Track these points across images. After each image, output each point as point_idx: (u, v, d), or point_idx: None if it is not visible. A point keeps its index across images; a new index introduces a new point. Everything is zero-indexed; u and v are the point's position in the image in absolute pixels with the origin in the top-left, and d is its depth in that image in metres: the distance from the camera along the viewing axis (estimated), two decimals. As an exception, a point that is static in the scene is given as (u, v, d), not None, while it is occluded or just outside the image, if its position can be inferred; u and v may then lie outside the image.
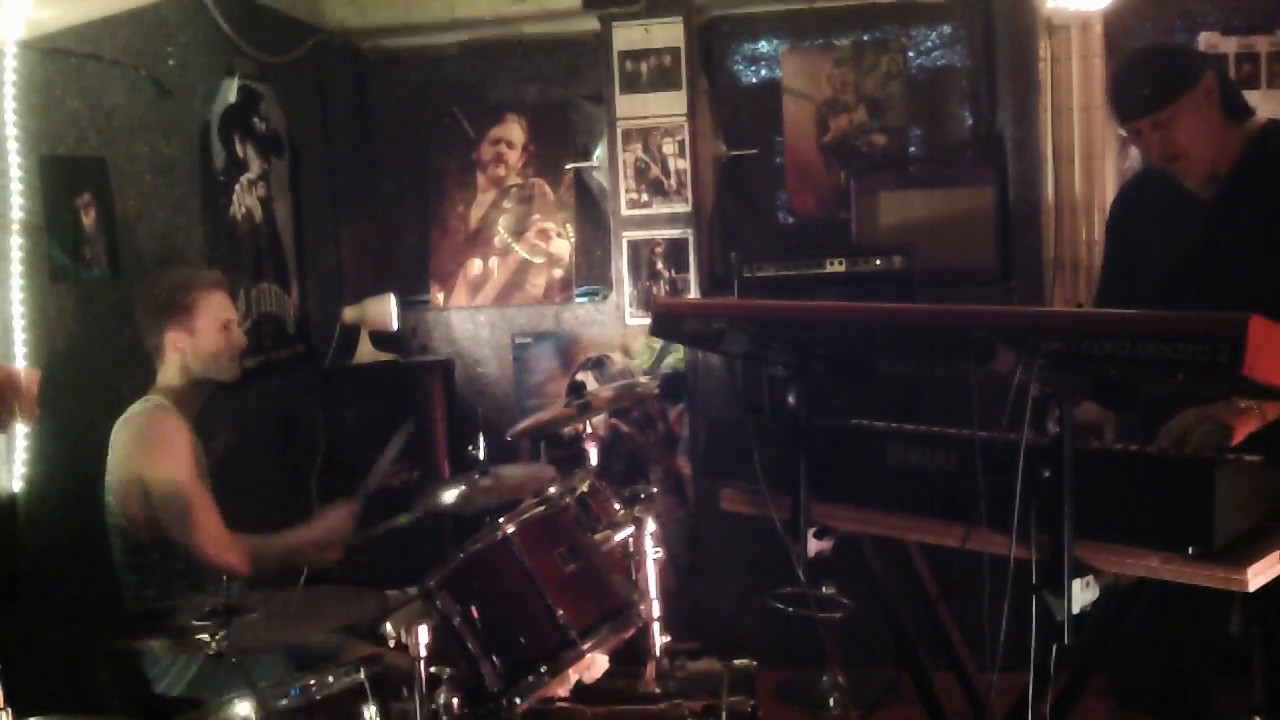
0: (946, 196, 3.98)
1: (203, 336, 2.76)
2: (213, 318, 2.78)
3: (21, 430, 2.61)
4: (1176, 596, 1.92)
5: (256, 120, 3.80)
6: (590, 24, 4.19)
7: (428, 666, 2.20)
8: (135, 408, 2.71)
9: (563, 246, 4.41)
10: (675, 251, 4.15)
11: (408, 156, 4.57)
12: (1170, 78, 2.50)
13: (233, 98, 3.62)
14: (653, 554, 2.77)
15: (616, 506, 2.84)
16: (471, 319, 4.44)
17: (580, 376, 4.26)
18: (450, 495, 2.89)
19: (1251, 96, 3.76)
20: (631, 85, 4.12)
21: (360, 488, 3.04)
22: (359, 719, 2.20)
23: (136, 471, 2.62)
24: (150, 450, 2.63)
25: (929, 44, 4.27)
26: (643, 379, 3.89)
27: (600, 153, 4.32)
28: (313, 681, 2.18)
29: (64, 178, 2.83)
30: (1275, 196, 2.53)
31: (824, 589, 3.48)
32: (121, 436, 2.67)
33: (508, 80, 4.51)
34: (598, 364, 4.27)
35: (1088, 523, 1.79)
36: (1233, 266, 2.57)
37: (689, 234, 4.14)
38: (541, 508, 2.46)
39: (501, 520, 2.39)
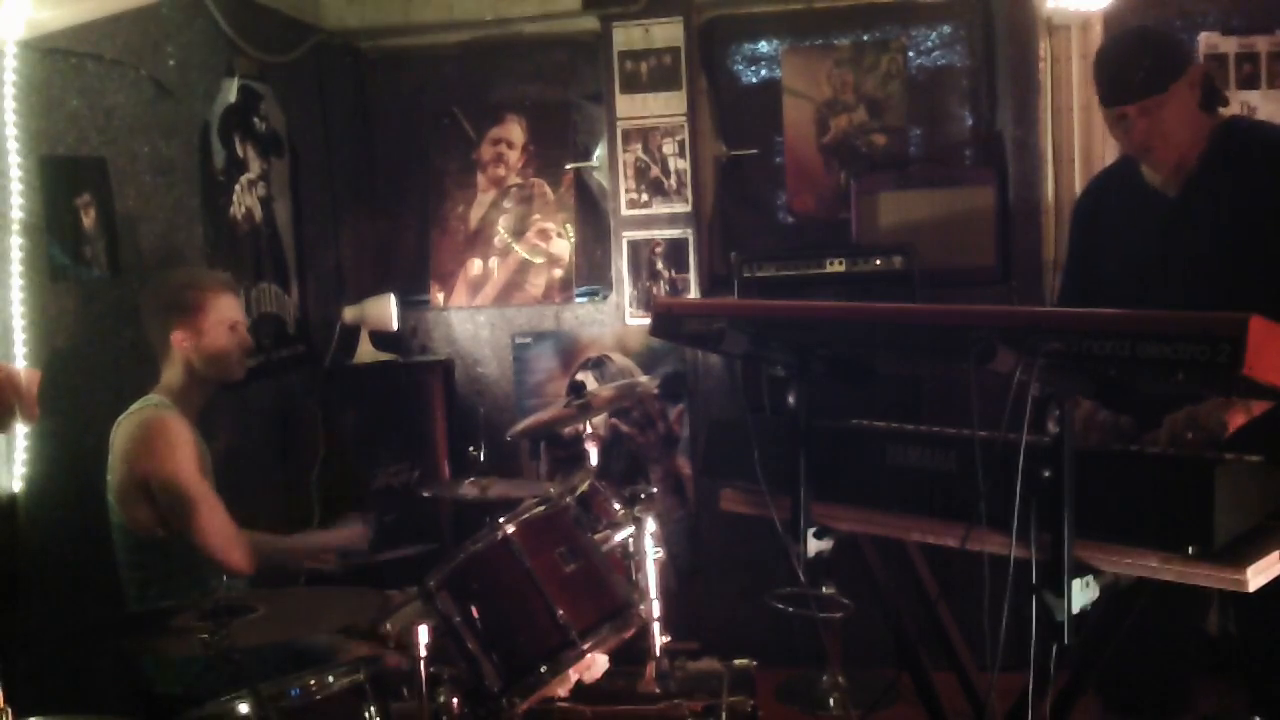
0: (946, 196, 3.98)
1: (210, 336, 2.77)
2: (221, 318, 2.79)
3: (21, 430, 2.61)
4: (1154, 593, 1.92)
5: (256, 120, 3.80)
6: (590, 24, 4.19)
7: (428, 666, 2.20)
8: (135, 407, 2.72)
9: (563, 246, 4.41)
10: (675, 251, 4.15)
11: (408, 156, 4.57)
12: (1164, 65, 2.49)
13: (233, 98, 3.62)
14: (653, 554, 2.77)
15: (616, 506, 2.84)
16: (471, 319, 4.44)
17: (580, 376, 4.26)
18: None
19: (1251, 96, 3.79)
20: (631, 85, 4.12)
21: (372, 518, 3.09)
22: (359, 719, 2.20)
23: (140, 471, 2.62)
24: (153, 449, 2.63)
25: (929, 44, 4.26)
26: (643, 379, 3.89)
27: (600, 153, 4.32)
28: (313, 681, 2.19)
29: (64, 178, 2.83)
30: (1239, 194, 2.53)
31: (824, 589, 3.48)
32: (122, 436, 2.67)
33: (508, 80, 4.51)
34: (598, 364, 4.27)
35: (1088, 523, 1.79)
36: (1198, 264, 2.57)
37: (689, 234, 4.14)
38: (541, 508, 2.46)
39: (501, 520, 2.39)
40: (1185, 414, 2.26)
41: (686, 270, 4.15)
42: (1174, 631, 2.70)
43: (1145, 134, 2.53)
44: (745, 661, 2.79)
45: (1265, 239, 2.49)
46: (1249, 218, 2.51)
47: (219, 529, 2.64)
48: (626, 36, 4.10)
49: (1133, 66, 2.50)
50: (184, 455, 2.65)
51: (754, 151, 4.36)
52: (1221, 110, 2.62)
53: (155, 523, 2.65)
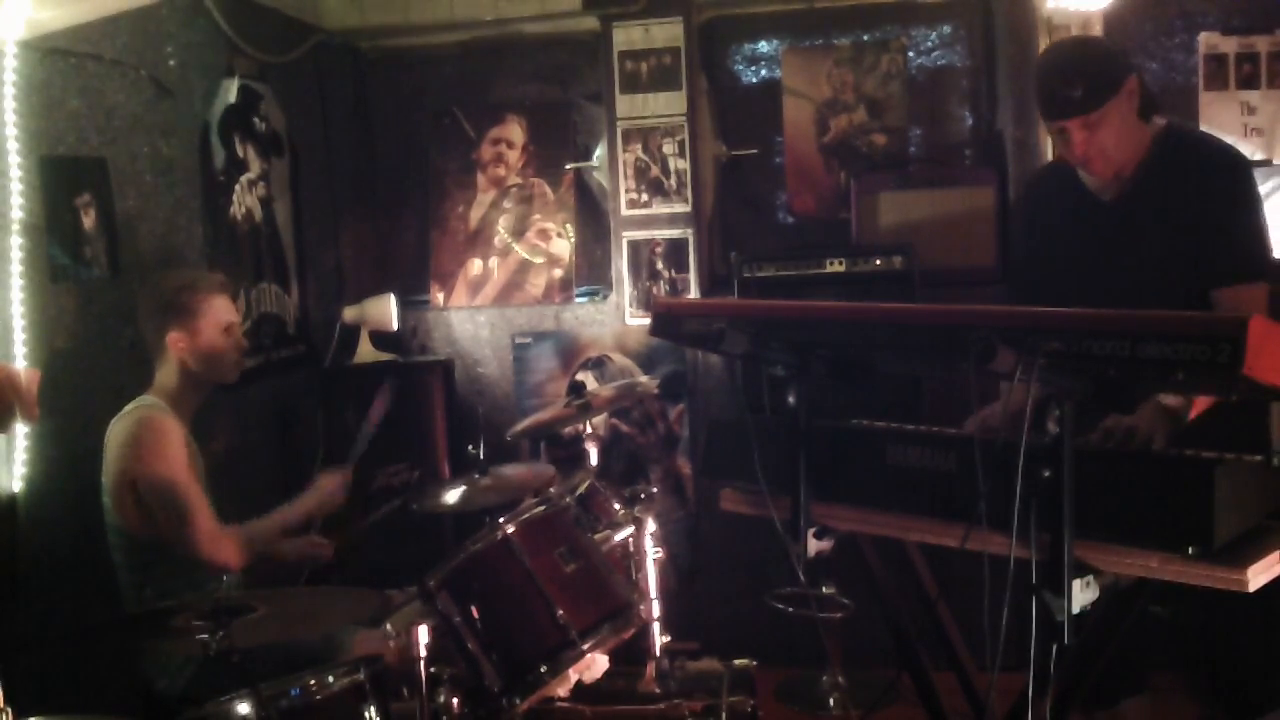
0: (946, 196, 3.98)
1: (204, 338, 2.77)
2: (215, 320, 2.79)
3: (21, 430, 2.61)
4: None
5: (256, 120, 3.80)
6: (590, 24, 4.19)
7: (428, 666, 2.20)
8: (129, 408, 2.72)
9: (563, 246, 4.41)
10: (675, 251, 4.15)
11: (408, 156, 4.57)
12: (1102, 79, 2.51)
13: (233, 98, 3.62)
14: (653, 554, 2.77)
15: (616, 506, 2.84)
16: (471, 319, 4.44)
17: (580, 376, 4.26)
18: (452, 495, 2.90)
19: (1251, 96, 3.80)
20: (631, 85, 4.12)
21: (350, 453, 3.10)
22: (359, 719, 2.20)
23: (129, 471, 2.62)
24: (142, 450, 2.64)
25: (929, 44, 4.26)
26: (643, 379, 3.89)
27: (600, 153, 4.32)
28: (313, 681, 2.18)
29: (64, 178, 2.83)
30: (1176, 200, 2.56)
31: (824, 589, 3.48)
32: (115, 437, 2.68)
33: (508, 80, 4.51)
34: (598, 364, 4.27)
35: (1088, 523, 1.79)
36: (1136, 269, 2.59)
37: (689, 234, 4.14)
38: (541, 508, 2.46)
39: (501, 520, 2.39)
40: (1123, 430, 2.24)
41: (686, 270, 4.15)
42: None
43: (1086, 146, 2.55)
44: (745, 661, 2.79)
45: (1199, 246, 2.52)
46: (1184, 225, 2.54)
47: (205, 530, 2.64)
48: (626, 36, 4.10)
49: (1072, 82, 2.50)
50: (175, 456, 2.65)
51: (754, 151, 4.36)
52: (1157, 118, 2.64)
53: (145, 523, 2.65)
